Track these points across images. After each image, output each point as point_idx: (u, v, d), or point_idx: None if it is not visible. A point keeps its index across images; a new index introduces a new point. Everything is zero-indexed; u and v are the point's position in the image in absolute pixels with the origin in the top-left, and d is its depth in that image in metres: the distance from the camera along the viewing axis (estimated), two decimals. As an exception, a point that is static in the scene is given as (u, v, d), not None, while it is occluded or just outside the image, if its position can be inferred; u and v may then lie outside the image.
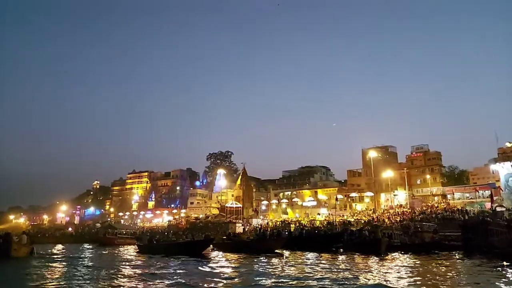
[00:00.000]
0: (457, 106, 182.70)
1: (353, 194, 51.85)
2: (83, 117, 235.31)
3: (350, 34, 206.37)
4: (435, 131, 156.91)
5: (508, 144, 44.62)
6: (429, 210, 40.52)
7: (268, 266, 14.98)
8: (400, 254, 20.97)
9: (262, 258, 18.62)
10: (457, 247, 22.61)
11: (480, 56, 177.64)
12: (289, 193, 61.97)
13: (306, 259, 18.58)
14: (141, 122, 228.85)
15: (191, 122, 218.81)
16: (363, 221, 39.70)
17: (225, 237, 28.18)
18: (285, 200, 58.32)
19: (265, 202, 60.65)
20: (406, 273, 13.25)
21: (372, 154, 50.20)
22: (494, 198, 39.59)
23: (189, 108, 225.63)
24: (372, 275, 12.67)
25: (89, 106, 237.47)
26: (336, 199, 47.33)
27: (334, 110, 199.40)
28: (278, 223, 47.03)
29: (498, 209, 32.97)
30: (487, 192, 42.15)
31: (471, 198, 42.98)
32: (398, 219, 38.70)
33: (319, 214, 49.67)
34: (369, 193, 50.01)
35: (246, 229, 44.99)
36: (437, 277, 12.28)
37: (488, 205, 37.42)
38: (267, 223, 47.37)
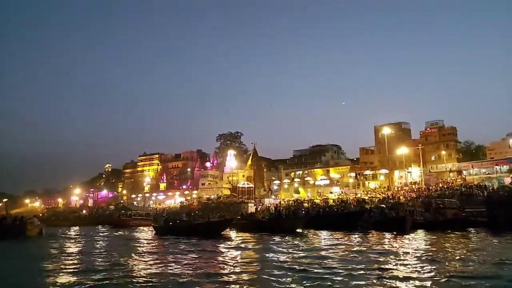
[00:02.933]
0: (472, 80, 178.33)
1: (366, 172, 51.18)
2: (95, 99, 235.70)
3: (361, 11, 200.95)
4: (450, 107, 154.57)
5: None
6: (445, 186, 39.73)
7: (305, 247, 14.40)
8: (426, 232, 20.30)
9: (286, 238, 18.15)
10: (482, 223, 21.74)
11: (498, 28, 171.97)
12: (301, 172, 61.55)
13: (336, 239, 17.95)
14: (152, 105, 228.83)
15: (201, 104, 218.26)
16: (377, 199, 39.19)
17: (239, 217, 27.87)
18: (297, 180, 58.02)
19: (276, 182, 60.51)
20: (451, 250, 12.43)
21: (385, 131, 49.04)
22: (513, 172, 38.51)
23: (198, 91, 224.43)
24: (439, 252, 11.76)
25: (101, 88, 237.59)
26: (356, 176, 46.52)
27: (346, 88, 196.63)
28: (290, 202, 47.01)
29: (518, 184, 31.82)
30: (505, 167, 40.94)
31: (488, 174, 41.87)
32: (413, 196, 38.09)
33: (331, 192, 49.38)
34: (383, 171, 49.16)
35: (259, 208, 45.05)
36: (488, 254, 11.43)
37: (507, 180, 36.28)
38: (280, 202, 47.13)
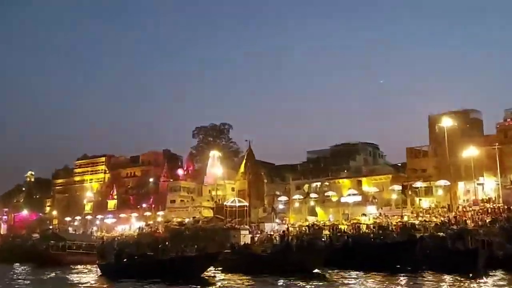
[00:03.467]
0: None
1: (417, 184, 50.90)
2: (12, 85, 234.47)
3: None
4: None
5: None
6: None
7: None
8: (507, 273, 20.57)
9: (299, 283, 18.30)
10: None
11: None
12: (319, 184, 61.37)
13: (373, 285, 17.83)
14: (96, 89, 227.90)
15: (169, 88, 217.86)
16: (432, 224, 39.34)
17: (229, 251, 28.23)
18: (313, 195, 57.83)
19: (283, 198, 60.22)
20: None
21: (445, 123, 48.94)
22: None
23: (166, 69, 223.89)
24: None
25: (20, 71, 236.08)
26: (403, 189, 46.30)
27: (383, 61, 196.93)
28: (303, 228, 47.07)
29: None
30: None
31: None
32: (486, 220, 38.23)
33: (364, 214, 49.38)
34: (441, 182, 49.12)
35: (256, 238, 45.17)
36: None
37: None
38: (287, 228, 47.15)
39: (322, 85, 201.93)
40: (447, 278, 19.61)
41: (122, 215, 76.77)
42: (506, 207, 41.03)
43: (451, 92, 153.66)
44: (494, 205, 43.21)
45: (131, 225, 71.92)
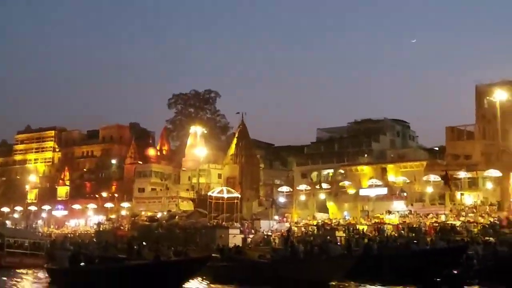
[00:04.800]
0: None
1: (459, 174, 50.82)
2: None
3: None
4: None
5: None
6: None
7: None
8: None
9: None
10: None
11: None
12: (331, 171, 61.50)
13: None
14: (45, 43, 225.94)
15: (139, 45, 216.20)
16: (479, 226, 39.46)
17: (219, 255, 28.06)
18: (324, 186, 58.35)
19: (284, 189, 60.46)
20: None
21: (498, 95, 48.81)
22: None
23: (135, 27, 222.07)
24: None
25: None
26: (446, 180, 45.94)
27: (417, 19, 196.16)
28: (311, 228, 47.45)
29: None
30: None
31: None
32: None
33: (389, 212, 49.37)
34: (492, 172, 49.08)
35: (250, 239, 45.41)
36: None
37: None
38: (290, 228, 47.23)
39: (337, 44, 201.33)
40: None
41: (75, 207, 76.69)
42: None
43: (506, 57, 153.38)
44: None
45: (87, 219, 71.89)
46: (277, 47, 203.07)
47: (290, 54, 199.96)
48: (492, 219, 40.88)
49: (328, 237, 38.48)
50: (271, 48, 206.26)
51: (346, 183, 58.05)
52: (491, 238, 32.99)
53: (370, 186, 54.88)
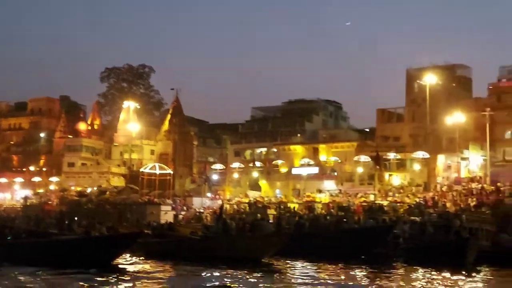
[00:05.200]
0: None
1: (388, 155, 51.86)
2: None
3: None
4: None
5: None
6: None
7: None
8: (496, 270, 21.29)
9: (244, 274, 18.30)
10: None
11: None
12: (264, 150, 62.03)
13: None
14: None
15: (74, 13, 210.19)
16: (405, 206, 40.22)
17: (152, 231, 28.32)
18: (258, 164, 58.67)
19: (218, 166, 60.52)
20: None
21: (428, 79, 49.87)
22: None
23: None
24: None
25: None
26: (377, 160, 46.70)
27: (350, 1, 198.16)
28: (243, 206, 47.53)
29: None
30: None
31: None
32: (471, 202, 39.33)
33: (320, 191, 49.88)
34: (419, 154, 50.26)
35: (181, 215, 45.43)
36: None
37: None
38: (222, 205, 47.20)
39: (272, 25, 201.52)
40: (425, 273, 19.92)
41: (1, 180, 74.77)
42: (494, 188, 42.23)
43: (436, 42, 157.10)
44: (480, 185, 44.43)
45: (13, 193, 70.17)
46: (212, 26, 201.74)
47: (226, 32, 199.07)
48: (418, 199, 41.60)
49: (259, 215, 38.43)
50: (206, 26, 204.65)
51: (279, 161, 58.33)
52: (416, 218, 33.64)
53: (302, 165, 55.25)
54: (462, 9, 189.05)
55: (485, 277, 20.07)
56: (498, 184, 41.43)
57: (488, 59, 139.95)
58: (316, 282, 17.93)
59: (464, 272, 19.59)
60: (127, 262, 22.66)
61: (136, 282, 17.19)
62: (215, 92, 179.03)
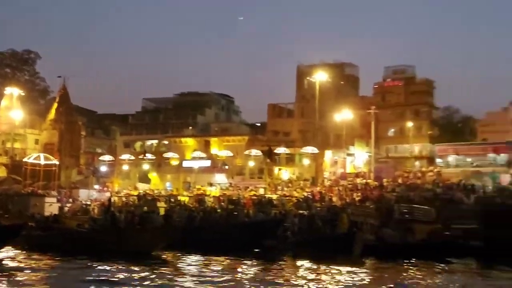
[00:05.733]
0: (463, 11, 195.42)
1: (278, 150, 52.48)
2: None
3: None
4: (424, 48, 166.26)
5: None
6: (408, 182, 43.11)
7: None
8: (380, 263, 22.03)
9: (133, 269, 17.95)
10: (474, 250, 23.96)
11: None
12: (155, 142, 61.60)
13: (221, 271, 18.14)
14: None
15: None
16: (294, 199, 40.84)
17: (36, 224, 27.55)
18: (149, 156, 57.88)
19: (107, 157, 59.60)
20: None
21: (318, 76, 50.78)
22: (515, 165, 43.68)
23: None
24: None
25: None
26: (270, 154, 46.98)
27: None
28: (132, 199, 47.03)
29: (525, 186, 36.26)
30: (503, 157, 46.36)
31: (477, 166, 46.88)
32: (356, 197, 40.52)
33: (211, 184, 49.97)
34: (308, 149, 51.23)
35: (67, 208, 44.06)
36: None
37: (505, 178, 41.02)
38: (110, 197, 46.30)
39: (165, 17, 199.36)
40: (312, 266, 20.27)
41: None
42: (377, 183, 43.73)
43: (327, 39, 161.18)
44: (365, 180, 45.92)
45: None
46: (102, 12, 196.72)
47: (117, 20, 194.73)
48: (306, 194, 42.33)
49: (145, 208, 38.19)
50: (95, 12, 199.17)
51: (170, 154, 58.04)
52: (304, 212, 34.19)
53: (194, 158, 55.29)
54: (353, 8, 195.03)
55: (369, 269, 20.68)
56: (385, 180, 43.05)
57: (375, 59, 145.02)
58: (204, 275, 17.84)
59: (350, 265, 20.03)
60: (8, 256, 21.79)
61: (16, 278, 16.52)
62: (105, 82, 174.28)
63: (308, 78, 54.63)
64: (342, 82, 57.23)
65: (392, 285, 16.84)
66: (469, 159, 48.60)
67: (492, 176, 43.02)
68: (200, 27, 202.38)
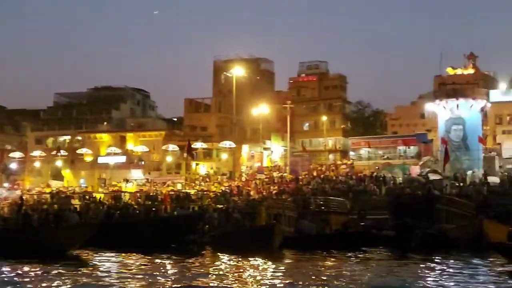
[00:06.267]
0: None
1: (196, 145, 52.38)
2: None
3: None
4: (338, 47, 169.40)
5: (450, 71, 51.20)
6: (321, 175, 44.18)
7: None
8: (297, 254, 22.34)
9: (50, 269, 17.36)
10: (388, 239, 24.82)
11: None
12: (68, 138, 60.82)
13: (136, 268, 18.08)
14: None
15: None
16: (211, 194, 41.00)
17: None
18: (62, 152, 56.78)
19: (17, 155, 58.21)
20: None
21: (235, 71, 51.07)
22: (424, 159, 45.41)
23: None
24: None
25: None
26: (189, 150, 46.45)
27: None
28: (45, 196, 45.93)
29: (432, 177, 37.74)
30: (413, 149, 48.17)
31: (388, 158, 48.48)
32: (273, 191, 41.10)
33: (127, 180, 49.39)
34: (226, 144, 51.46)
35: None
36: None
37: (414, 170, 42.68)
38: (22, 196, 45.03)
39: (82, 8, 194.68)
40: (231, 259, 20.38)
41: None
42: (293, 177, 44.52)
43: (244, 34, 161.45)
44: (281, 173, 46.65)
45: None
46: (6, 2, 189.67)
47: (27, 10, 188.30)
48: (223, 188, 42.68)
49: (55, 206, 37.64)
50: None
51: (84, 150, 56.86)
52: (223, 206, 34.39)
53: (109, 154, 54.62)
54: (270, 3, 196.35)
55: (288, 260, 20.96)
56: (303, 173, 43.90)
57: (290, 54, 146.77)
58: (121, 272, 17.63)
59: (269, 257, 20.24)
60: None
61: None
62: (15, 76, 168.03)
63: (224, 73, 54.95)
64: (258, 77, 57.76)
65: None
66: (380, 152, 50.14)
67: (402, 168, 44.72)
68: (116, 21, 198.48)
